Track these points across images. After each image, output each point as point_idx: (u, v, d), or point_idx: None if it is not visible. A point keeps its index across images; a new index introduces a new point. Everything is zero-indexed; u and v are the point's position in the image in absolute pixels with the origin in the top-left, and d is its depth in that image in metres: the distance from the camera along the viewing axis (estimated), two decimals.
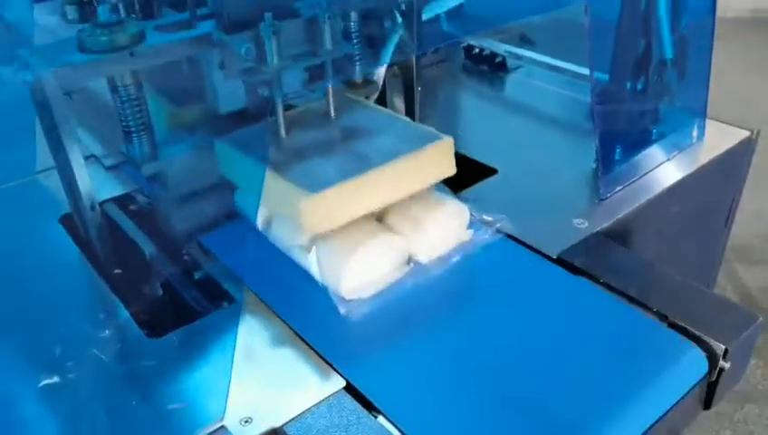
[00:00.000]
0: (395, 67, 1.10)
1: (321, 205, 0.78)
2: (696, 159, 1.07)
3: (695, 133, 1.12)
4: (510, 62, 1.42)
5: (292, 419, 0.66)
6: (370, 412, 0.67)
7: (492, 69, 1.43)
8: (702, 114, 1.12)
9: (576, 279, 0.83)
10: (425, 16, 0.98)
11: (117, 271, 0.86)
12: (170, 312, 0.84)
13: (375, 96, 1.06)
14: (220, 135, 0.90)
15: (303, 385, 0.70)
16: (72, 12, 1.08)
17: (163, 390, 0.70)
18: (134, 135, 0.85)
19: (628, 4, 1.01)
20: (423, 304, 0.80)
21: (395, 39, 0.96)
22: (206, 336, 0.77)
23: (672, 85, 1.08)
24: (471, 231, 0.89)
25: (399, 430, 0.65)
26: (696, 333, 0.74)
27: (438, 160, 0.87)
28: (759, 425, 1.64)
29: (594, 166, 1.04)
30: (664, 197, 1.00)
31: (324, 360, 0.72)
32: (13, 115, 1.14)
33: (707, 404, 0.78)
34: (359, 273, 0.80)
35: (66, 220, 0.96)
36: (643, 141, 1.08)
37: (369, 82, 1.05)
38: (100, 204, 0.86)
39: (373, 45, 0.99)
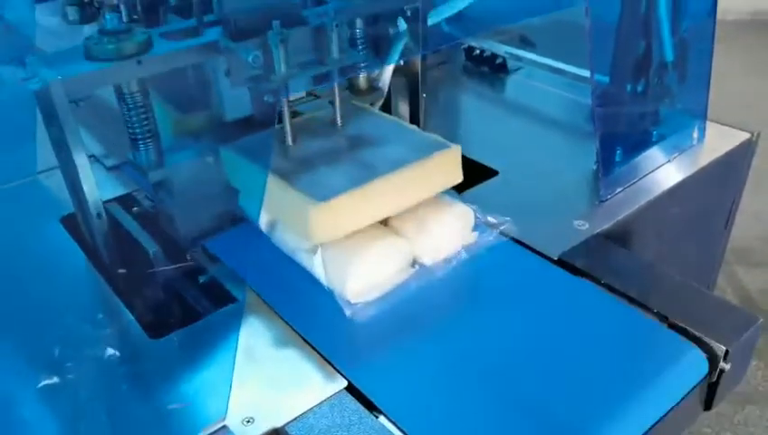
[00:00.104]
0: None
1: (328, 214, 0.78)
2: (696, 161, 1.07)
3: (695, 135, 1.12)
4: (510, 64, 1.43)
5: (294, 419, 0.66)
6: (372, 412, 0.67)
7: (492, 70, 1.43)
8: (702, 116, 1.13)
9: (579, 281, 0.83)
10: (430, 21, 0.98)
11: (119, 272, 0.86)
12: (173, 313, 0.84)
13: (380, 103, 1.06)
14: (226, 142, 0.90)
15: (305, 385, 0.70)
16: (72, 13, 1.08)
17: (165, 390, 0.70)
18: (140, 142, 0.85)
19: (629, 7, 1.01)
20: (428, 306, 0.80)
21: (400, 46, 0.96)
22: (208, 337, 0.77)
23: (672, 87, 1.09)
24: (476, 233, 0.89)
25: (401, 431, 0.65)
26: (697, 334, 0.74)
27: (445, 169, 0.87)
28: (759, 426, 1.64)
29: (594, 167, 1.04)
30: (664, 198, 1.00)
31: (329, 363, 0.72)
32: (13, 115, 1.14)
33: (708, 405, 0.78)
34: (364, 276, 0.80)
35: (67, 221, 0.97)
36: (643, 143, 1.08)
37: (374, 88, 1.04)
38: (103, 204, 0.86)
39: (378, 51, 0.99)
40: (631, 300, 0.80)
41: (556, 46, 1.43)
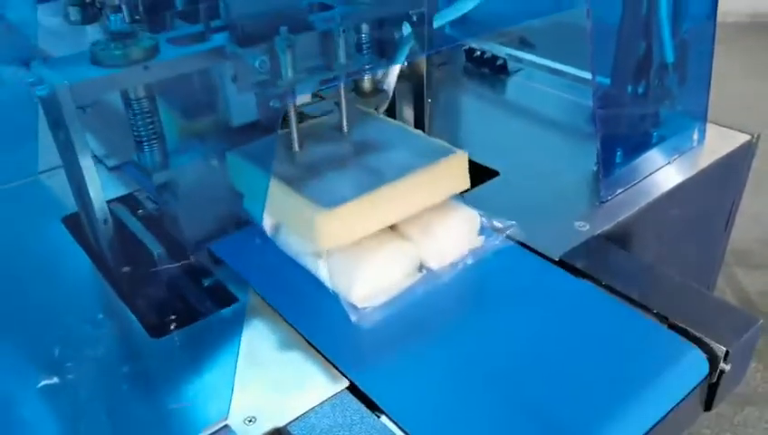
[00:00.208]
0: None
1: (335, 221, 0.77)
2: (696, 163, 1.07)
3: (695, 137, 1.12)
4: (511, 65, 1.43)
5: (296, 418, 0.66)
6: (374, 412, 0.67)
7: (493, 72, 1.43)
8: (702, 118, 1.13)
9: (583, 284, 0.83)
10: (435, 24, 0.98)
11: (122, 271, 0.86)
12: (175, 312, 0.84)
13: (385, 105, 1.05)
14: (231, 147, 0.90)
15: (307, 385, 0.70)
16: (74, 13, 1.08)
17: (167, 389, 0.70)
18: (145, 144, 0.85)
19: (630, 8, 1.01)
20: (434, 311, 0.80)
21: (406, 49, 0.96)
22: (210, 336, 0.77)
23: (673, 89, 1.09)
24: (482, 237, 0.89)
25: (403, 431, 0.65)
26: (697, 334, 0.75)
27: (452, 175, 0.87)
28: (759, 428, 1.64)
29: (595, 169, 1.04)
30: (664, 200, 1.00)
31: (335, 367, 0.72)
32: (15, 115, 1.15)
33: (708, 406, 0.78)
34: (370, 281, 0.79)
35: (69, 220, 0.97)
36: (644, 145, 1.08)
37: (379, 90, 1.04)
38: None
39: (383, 53, 0.99)
40: (632, 301, 0.80)
41: (556, 48, 1.43)
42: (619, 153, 1.03)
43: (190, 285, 0.88)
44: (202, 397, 0.69)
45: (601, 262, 0.86)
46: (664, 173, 1.05)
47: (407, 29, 0.96)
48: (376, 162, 0.86)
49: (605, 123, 0.99)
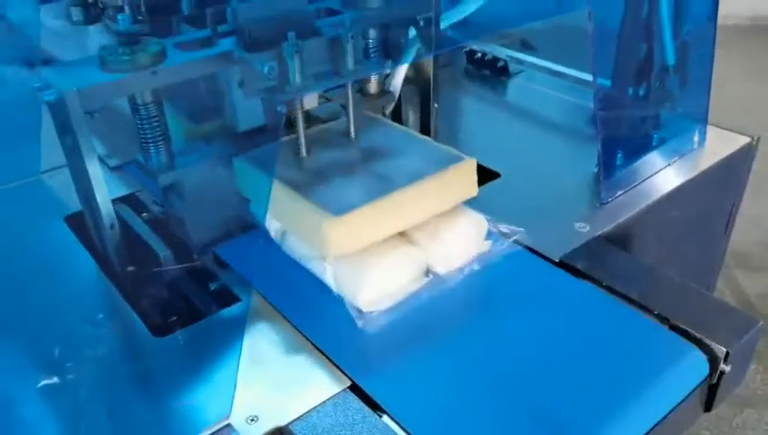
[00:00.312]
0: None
1: (343, 228, 0.77)
2: (696, 165, 1.08)
3: (696, 139, 1.13)
4: (512, 67, 1.43)
5: (298, 417, 0.66)
6: (375, 411, 0.67)
7: (494, 73, 1.44)
8: (703, 120, 1.13)
9: (588, 287, 0.83)
10: (441, 26, 0.98)
11: (127, 270, 0.86)
12: (178, 312, 0.84)
13: (391, 106, 1.05)
14: (238, 152, 0.89)
15: (309, 385, 0.70)
16: (77, 13, 1.09)
17: (170, 388, 0.71)
18: (151, 146, 0.85)
19: (631, 11, 1.02)
20: (440, 315, 0.79)
21: (412, 52, 0.95)
22: (212, 335, 0.77)
23: (673, 91, 1.09)
24: (489, 242, 0.88)
25: (404, 430, 0.65)
26: (698, 335, 0.75)
27: (461, 182, 0.86)
28: (758, 430, 1.64)
29: (595, 170, 1.05)
30: (664, 202, 1.00)
31: (342, 371, 0.71)
32: (18, 115, 1.15)
33: (708, 407, 0.78)
34: (377, 285, 0.79)
35: (71, 220, 0.97)
36: (644, 147, 1.08)
37: (385, 92, 1.04)
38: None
39: (389, 56, 0.99)
40: (632, 302, 0.80)
41: (557, 50, 1.43)
42: (619, 155, 1.03)
43: (194, 286, 0.88)
44: (204, 396, 0.69)
45: (602, 263, 0.87)
46: (664, 175, 1.05)
47: (412, 32, 0.96)
48: (384, 168, 0.86)
49: (606, 125, 1.00)
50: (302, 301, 0.82)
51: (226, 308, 0.81)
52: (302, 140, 0.88)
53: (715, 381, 0.75)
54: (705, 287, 1.29)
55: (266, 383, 0.71)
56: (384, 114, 1.05)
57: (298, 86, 0.79)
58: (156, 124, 0.84)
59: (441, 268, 0.84)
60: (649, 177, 1.04)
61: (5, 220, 1.02)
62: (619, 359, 0.74)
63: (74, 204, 0.97)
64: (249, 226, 0.92)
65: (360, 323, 0.77)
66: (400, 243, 0.83)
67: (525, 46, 1.49)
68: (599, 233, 0.92)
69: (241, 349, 0.73)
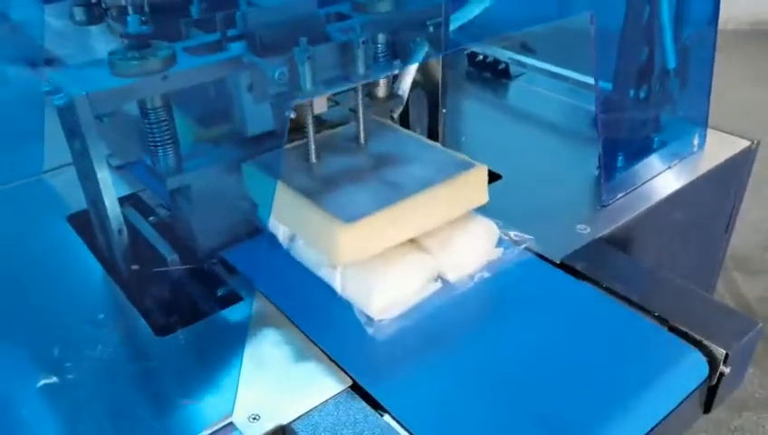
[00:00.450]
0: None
1: (355, 235, 0.76)
2: (696, 168, 1.08)
3: (696, 142, 1.13)
4: (513, 70, 1.44)
5: (300, 416, 0.67)
6: (377, 411, 0.68)
7: (495, 76, 1.44)
8: (703, 123, 1.14)
9: (596, 293, 0.83)
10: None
11: (131, 269, 0.86)
12: (181, 312, 0.84)
13: (399, 110, 1.05)
14: (245, 156, 0.89)
15: (311, 384, 0.71)
16: (79, 13, 1.09)
17: (173, 386, 0.71)
18: (159, 149, 0.85)
19: (632, 15, 1.02)
20: (451, 323, 0.79)
21: (420, 54, 0.95)
22: (215, 334, 0.78)
23: (674, 95, 1.10)
24: (500, 249, 0.88)
25: (405, 429, 0.66)
26: (697, 337, 0.75)
27: (472, 188, 0.86)
28: (757, 433, 1.65)
29: (596, 173, 1.05)
30: (665, 204, 1.01)
31: (350, 376, 0.71)
32: (22, 114, 1.15)
33: (707, 408, 0.79)
34: (387, 293, 0.78)
35: (74, 219, 0.97)
36: (645, 149, 1.09)
37: (393, 96, 1.03)
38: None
39: (397, 58, 0.99)
40: (632, 303, 0.81)
41: (556, 52, 1.44)
42: (620, 157, 1.04)
43: (197, 286, 0.88)
44: (207, 394, 0.69)
45: (602, 265, 0.87)
46: (664, 178, 1.06)
47: (420, 35, 0.96)
48: (394, 175, 0.85)
49: (607, 128, 1.00)
50: (312, 307, 0.81)
51: (230, 308, 0.81)
52: (312, 146, 0.87)
53: (714, 382, 0.75)
54: (705, 290, 1.29)
55: (268, 382, 0.71)
56: (392, 118, 1.04)
57: (308, 91, 0.78)
58: (165, 127, 0.84)
59: (452, 275, 0.84)
60: (650, 179, 1.05)
61: (8, 219, 1.02)
62: (619, 360, 0.74)
63: (76, 204, 0.98)
64: (257, 230, 0.92)
65: (370, 331, 0.77)
66: (411, 250, 0.82)
67: (525, 49, 1.49)
68: (599, 235, 0.93)
69: (244, 348, 0.73)
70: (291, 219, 0.86)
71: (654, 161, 1.08)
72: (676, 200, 1.03)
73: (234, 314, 0.81)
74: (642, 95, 1.07)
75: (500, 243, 0.89)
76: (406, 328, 0.77)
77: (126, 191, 1.04)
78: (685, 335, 0.76)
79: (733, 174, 1.16)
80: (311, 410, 0.67)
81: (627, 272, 0.87)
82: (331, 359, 0.73)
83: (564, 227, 0.94)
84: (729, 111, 1.51)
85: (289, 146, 0.91)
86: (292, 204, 0.82)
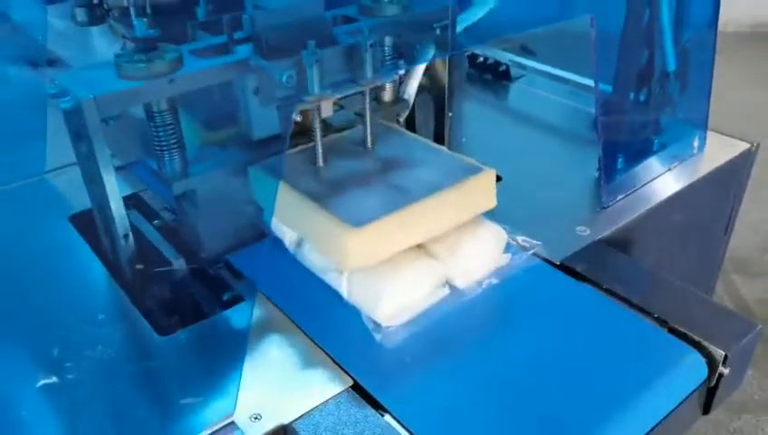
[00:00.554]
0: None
1: (364, 240, 0.76)
2: (696, 170, 1.09)
3: (695, 144, 1.13)
4: (513, 72, 1.44)
5: (301, 416, 0.67)
6: (377, 410, 0.68)
7: (495, 78, 1.45)
8: (703, 126, 1.14)
9: (602, 298, 0.83)
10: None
11: (133, 274, 0.86)
12: (183, 312, 0.84)
13: (405, 114, 1.04)
14: (251, 160, 0.88)
15: (312, 384, 0.71)
16: (81, 14, 1.09)
17: (175, 386, 0.71)
18: (166, 154, 0.84)
19: (633, 18, 1.03)
20: (459, 329, 0.79)
21: (427, 56, 0.95)
22: (217, 334, 0.78)
23: (674, 97, 1.10)
24: (508, 255, 0.88)
25: (406, 429, 0.66)
26: (697, 338, 0.76)
27: (480, 193, 0.86)
28: None
29: (596, 175, 1.06)
30: (664, 206, 1.01)
31: (358, 383, 0.71)
32: (21, 115, 1.16)
33: (706, 409, 0.79)
34: (395, 299, 0.78)
35: (76, 219, 0.98)
36: (645, 152, 1.09)
37: (399, 100, 1.03)
38: None
39: (406, 63, 0.99)
40: (632, 304, 0.81)
41: (557, 54, 1.44)
42: (620, 160, 1.04)
43: (201, 289, 0.88)
44: (209, 394, 0.69)
45: (602, 266, 0.87)
46: (664, 180, 1.06)
47: (426, 38, 0.96)
48: (402, 179, 0.85)
49: (607, 130, 1.00)
50: (318, 312, 0.81)
51: (232, 308, 0.82)
52: (320, 150, 0.87)
53: (713, 383, 0.76)
54: (704, 291, 1.29)
55: (269, 382, 0.71)
56: (398, 122, 1.04)
57: (316, 94, 0.78)
58: (171, 131, 0.83)
59: (460, 282, 0.83)
60: (649, 181, 1.05)
61: (10, 219, 1.02)
62: (619, 361, 0.74)
63: (77, 204, 0.98)
64: (262, 234, 0.91)
65: (377, 337, 0.76)
66: (420, 256, 0.82)
67: (525, 51, 1.50)
68: (599, 236, 0.93)
69: (246, 348, 0.73)
70: (298, 223, 0.85)
71: (654, 163, 1.09)
72: (675, 202, 1.03)
73: (236, 314, 0.81)
74: (642, 98, 1.07)
75: (508, 248, 0.89)
76: (414, 335, 0.77)
77: (127, 191, 1.04)
78: (684, 337, 0.76)
79: (732, 176, 1.16)
80: (312, 409, 0.68)
81: (627, 274, 0.87)
82: (334, 360, 0.73)
83: (564, 229, 0.94)
84: (729, 114, 1.52)
85: (295, 150, 0.91)
86: (300, 208, 0.82)
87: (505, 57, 1.47)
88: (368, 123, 0.90)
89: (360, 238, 0.76)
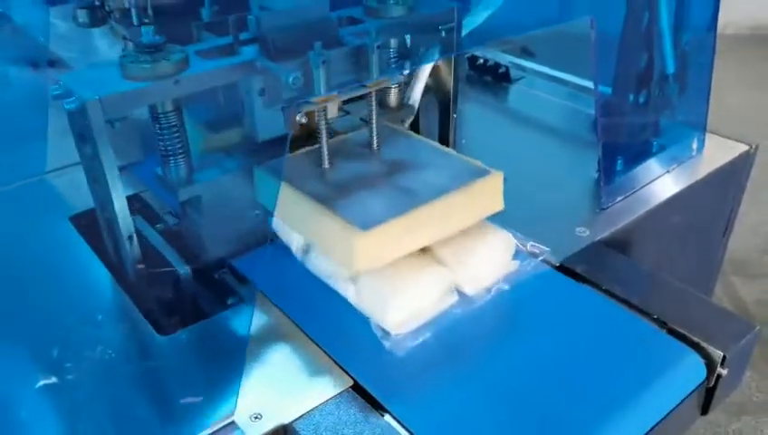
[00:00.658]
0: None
1: (371, 243, 0.75)
2: (695, 172, 1.09)
3: (694, 146, 1.14)
4: (513, 73, 1.45)
5: (301, 416, 0.67)
6: (378, 410, 0.68)
7: (495, 80, 1.45)
8: (702, 128, 1.15)
9: (607, 302, 0.83)
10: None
11: (135, 275, 0.86)
12: (183, 311, 0.85)
13: (410, 119, 1.04)
14: (256, 163, 0.88)
15: (312, 384, 0.71)
16: (83, 16, 1.09)
17: (175, 386, 0.71)
18: (171, 159, 0.84)
19: (632, 20, 1.03)
20: (468, 336, 0.78)
21: (433, 57, 0.95)
22: (218, 334, 0.78)
23: (673, 99, 1.11)
24: (517, 262, 0.87)
25: (406, 429, 0.66)
26: (695, 339, 0.76)
27: (487, 196, 0.85)
28: None
29: (596, 176, 1.06)
30: (663, 207, 1.02)
31: (367, 391, 0.71)
32: (22, 115, 1.16)
33: (705, 410, 0.79)
34: (404, 307, 0.77)
35: (76, 219, 0.98)
36: (644, 153, 1.10)
37: (404, 105, 1.03)
38: None
39: (411, 64, 0.99)
40: (631, 305, 0.81)
41: (557, 56, 1.45)
42: (619, 161, 1.04)
43: (203, 290, 0.88)
44: (209, 394, 0.70)
45: (601, 267, 0.88)
46: (663, 181, 1.07)
47: (432, 40, 0.96)
48: (409, 182, 0.84)
49: (606, 132, 1.01)
50: (323, 317, 0.80)
51: (233, 308, 0.82)
52: (325, 151, 0.87)
53: (712, 384, 0.76)
54: (704, 293, 1.29)
55: (270, 381, 0.71)
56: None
57: (322, 95, 0.77)
58: (176, 135, 0.83)
59: (469, 289, 0.83)
60: (649, 183, 1.06)
61: (11, 219, 1.02)
62: (618, 362, 0.75)
63: (77, 204, 0.98)
64: (267, 238, 0.91)
65: (386, 345, 0.76)
66: (428, 263, 0.82)
67: (525, 52, 1.50)
68: (599, 238, 0.93)
69: (246, 348, 0.74)
70: (304, 226, 0.85)
71: (653, 165, 1.09)
72: (674, 204, 1.03)
73: (237, 314, 0.81)
74: (641, 99, 1.08)
75: (516, 254, 0.88)
76: (423, 342, 0.77)
77: (128, 192, 1.04)
78: (683, 338, 0.77)
79: (731, 178, 1.16)
80: (312, 409, 0.68)
81: (626, 275, 0.87)
82: (338, 364, 0.73)
83: (564, 230, 0.95)
84: (728, 116, 1.52)
85: (301, 151, 0.91)
86: (306, 210, 0.81)
87: (505, 59, 1.47)
88: (374, 124, 0.90)
89: (368, 241, 0.75)
